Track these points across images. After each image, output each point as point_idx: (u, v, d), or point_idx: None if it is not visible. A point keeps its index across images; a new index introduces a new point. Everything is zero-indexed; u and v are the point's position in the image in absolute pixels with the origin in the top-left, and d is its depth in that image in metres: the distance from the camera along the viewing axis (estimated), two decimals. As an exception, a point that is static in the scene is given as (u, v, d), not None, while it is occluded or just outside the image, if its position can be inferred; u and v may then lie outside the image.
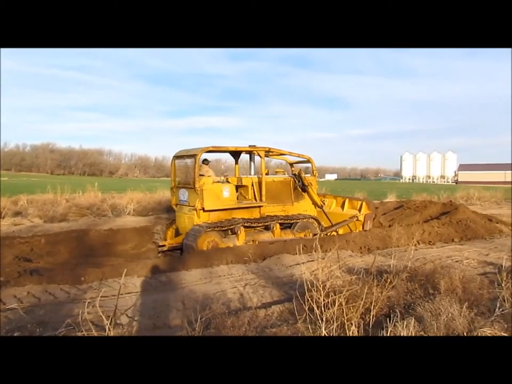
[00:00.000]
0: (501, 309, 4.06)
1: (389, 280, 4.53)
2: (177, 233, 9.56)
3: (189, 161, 8.94)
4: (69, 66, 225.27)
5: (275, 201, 9.96)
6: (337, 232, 10.57)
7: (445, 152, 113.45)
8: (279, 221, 9.57)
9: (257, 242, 8.86)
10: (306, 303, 3.73)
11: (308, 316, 3.71)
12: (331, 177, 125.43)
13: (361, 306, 3.86)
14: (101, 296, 5.06)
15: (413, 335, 3.15)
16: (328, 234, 10.24)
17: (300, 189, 10.61)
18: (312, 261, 6.23)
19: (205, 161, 9.47)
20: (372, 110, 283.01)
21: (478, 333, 3.47)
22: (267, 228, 9.49)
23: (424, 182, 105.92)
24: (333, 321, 3.41)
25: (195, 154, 8.63)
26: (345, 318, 3.36)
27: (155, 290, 5.75)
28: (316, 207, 10.90)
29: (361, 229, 10.47)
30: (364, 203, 10.87)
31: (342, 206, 11.27)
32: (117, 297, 3.70)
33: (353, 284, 4.25)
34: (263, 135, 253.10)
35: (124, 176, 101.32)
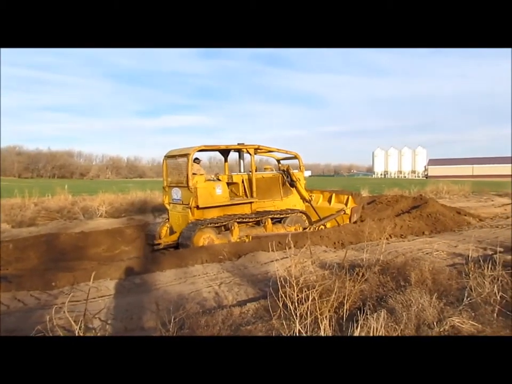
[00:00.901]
0: (468, 298, 4.18)
1: (361, 274, 4.61)
2: (171, 232, 9.61)
3: (181, 160, 9.09)
4: (33, 64, 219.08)
5: (265, 197, 10.22)
6: (325, 225, 10.85)
7: (415, 147, 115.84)
8: (271, 216, 9.83)
9: (251, 237, 9.08)
10: (280, 299, 3.75)
11: (282, 312, 3.74)
12: (305, 174, 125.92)
13: (334, 300, 3.92)
14: (73, 301, 5.00)
15: (383, 326, 3.20)
16: (317, 228, 10.48)
17: (288, 185, 10.86)
18: (286, 257, 6.26)
19: (196, 160, 9.64)
20: (344, 108, 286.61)
21: (447, 322, 3.56)
22: (258, 223, 9.75)
23: (396, 177, 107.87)
24: (307, 316, 3.44)
25: (188, 154, 8.78)
26: (319, 312, 3.39)
27: (129, 293, 5.67)
28: (304, 202, 11.15)
29: (348, 222, 10.79)
30: (350, 197, 11.17)
31: (329, 201, 11.55)
32: (86, 300, 3.62)
33: (327, 279, 4.30)
34: (236, 133, 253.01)
35: (95, 178, 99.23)
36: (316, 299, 3.54)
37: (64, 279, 6.07)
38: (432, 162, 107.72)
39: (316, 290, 3.62)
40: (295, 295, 3.61)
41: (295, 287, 3.66)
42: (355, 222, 10.78)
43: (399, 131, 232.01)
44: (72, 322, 3.19)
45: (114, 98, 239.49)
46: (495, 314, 3.95)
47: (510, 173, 79.53)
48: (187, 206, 8.85)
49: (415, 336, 3.46)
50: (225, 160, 11.14)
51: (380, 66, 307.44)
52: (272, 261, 6.72)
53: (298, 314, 3.38)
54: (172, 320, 3.60)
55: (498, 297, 4.18)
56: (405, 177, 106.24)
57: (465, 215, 12.62)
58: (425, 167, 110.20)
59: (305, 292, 3.65)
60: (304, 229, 10.24)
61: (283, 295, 3.73)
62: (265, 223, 9.69)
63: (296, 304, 3.53)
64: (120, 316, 4.72)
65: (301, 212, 10.54)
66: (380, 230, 9.22)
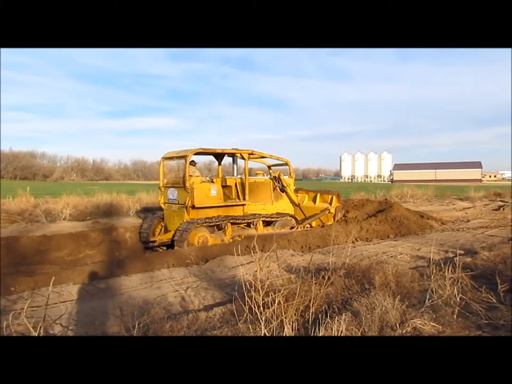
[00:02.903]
0: (430, 300, 4.29)
1: (327, 277, 4.65)
2: (166, 230, 9.95)
3: (179, 162, 9.58)
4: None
5: (257, 200, 10.79)
6: (310, 224, 11.46)
7: (381, 152, 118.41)
8: (263, 219, 10.48)
9: (243, 237, 9.56)
10: (246, 303, 3.74)
11: (248, 316, 3.73)
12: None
13: (300, 304, 3.94)
14: (33, 306, 4.83)
15: (347, 329, 3.25)
16: (303, 226, 11.15)
17: (279, 190, 11.46)
18: (253, 261, 6.26)
19: (192, 162, 9.95)
20: (312, 112, 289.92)
21: (409, 324, 3.64)
22: (249, 225, 10.38)
23: (362, 181, 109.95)
24: (273, 320, 3.44)
25: (186, 156, 9.21)
26: (284, 316, 3.40)
27: (92, 298, 5.52)
28: (293, 205, 11.75)
29: (332, 221, 11.38)
30: (334, 197, 11.74)
31: (314, 200, 12.09)
32: (45, 305, 3.51)
33: (293, 283, 4.32)
34: (206, 136, 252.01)
35: (60, 180, 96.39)
36: (282, 303, 3.55)
37: (24, 283, 5.87)
38: (398, 167, 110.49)
39: (282, 294, 3.63)
40: (261, 299, 3.61)
41: (261, 291, 3.66)
42: (338, 221, 11.34)
43: (366, 136, 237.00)
44: (31, 328, 3.08)
45: (80, 98, 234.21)
46: (455, 316, 4.06)
47: (471, 178, 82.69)
48: (183, 205, 9.22)
49: (377, 336, 3.51)
50: (219, 164, 11.74)
51: (346, 71, 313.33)
52: (240, 265, 6.71)
53: (263, 319, 3.38)
54: (136, 326, 3.53)
55: (458, 298, 4.31)
56: (371, 181, 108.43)
57: (428, 219, 12.99)
58: (390, 171, 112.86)
59: (271, 295, 3.65)
60: (292, 228, 10.92)
61: (249, 299, 3.72)
62: (256, 224, 10.31)
63: (262, 308, 3.53)
64: (83, 321, 4.59)
65: (290, 216, 11.23)
66: (346, 233, 9.37)
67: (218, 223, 9.46)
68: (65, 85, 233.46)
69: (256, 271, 3.99)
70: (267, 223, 10.72)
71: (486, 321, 4.00)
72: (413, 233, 11.21)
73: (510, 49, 3.02)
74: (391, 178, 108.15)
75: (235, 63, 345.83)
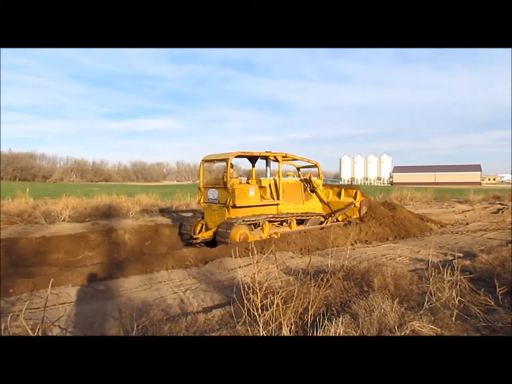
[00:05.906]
0: (429, 303, 4.29)
1: (325, 280, 4.65)
2: (206, 228, 10.54)
3: (219, 164, 10.33)
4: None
5: (289, 200, 11.33)
6: (337, 219, 12.04)
7: (381, 155, 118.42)
8: (296, 217, 11.21)
9: (279, 234, 10.09)
10: (245, 305, 3.74)
11: (246, 318, 3.73)
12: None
13: (299, 306, 3.94)
14: (32, 308, 4.83)
15: (343, 330, 3.24)
16: (331, 220, 11.88)
17: (309, 190, 12.08)
18: (252, 263, 6.26)
19: (231, 165, 10.33)
20: (312, 114, 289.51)
21: (407, 327, 3.64)
22: (281, 223, 11.10)
23: (362, 183, 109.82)
24: (272, 322, 3.44)
25: (227, 158, 9.82)
26: (283, 318, 3.40)
27: (91, 299, 5.52)
28: (322, 204, 12.33)
29: (358, 215, 11.94)
30: (358, 191, 12.25)
31: (339, 195, 12.58)
32: (44, 307, 3.51)
33: (291, 285, 4.32)
34: (205, 138, 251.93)
35: (59, 181, 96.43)
36: (280, 305, 3.55)
37: (22, 285, 5.86)
38: (397, 169, 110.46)
39: (280, 296, 3.63)
40: (259, 301, 3.61)
41: (259, 293, 3.66)
42: (362, 217, 11.78)
43: (365, 138, 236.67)
44: (29, 330, 3.08)
45: (80, 100, 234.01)
46: (453, 318, 4.06)
47: (470, 181, 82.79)
48: (224, 204, 9.79)
49: (375, 336, 3.51)
50: (253, 166, 12.31)
51: (346, 74, 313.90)
52: (239, 267, 6.71)
53: (262, 321, 3.37)
54: (135, 328, 3.53)
55: (457, 301, 4.31)
56: (371, 183, 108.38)
57: (428, 221, 13.00)
58: (390, 174, 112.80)
59: (270, 297, 3.65)
60: (321, 223, 11.74)
61: (247, 302, 3.72)
62: (290, 223, 11.02)
63: (260, 310, 3.53)
64: (81, 323, 4.59)
65: (320, 215, 11.99)
66: (345, 236, 9.38)
67: (258, 221, 10.00)
68: (65, 86, 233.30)
69: (254, 273, 4.00)
70: (298, 221, 11.33)
71: (484, 324, 4.01)
72: (412, 235, 11.23)
73: (509, 52, 3.03)
74: (390, 180, 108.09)
75: (236, 66, 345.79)
